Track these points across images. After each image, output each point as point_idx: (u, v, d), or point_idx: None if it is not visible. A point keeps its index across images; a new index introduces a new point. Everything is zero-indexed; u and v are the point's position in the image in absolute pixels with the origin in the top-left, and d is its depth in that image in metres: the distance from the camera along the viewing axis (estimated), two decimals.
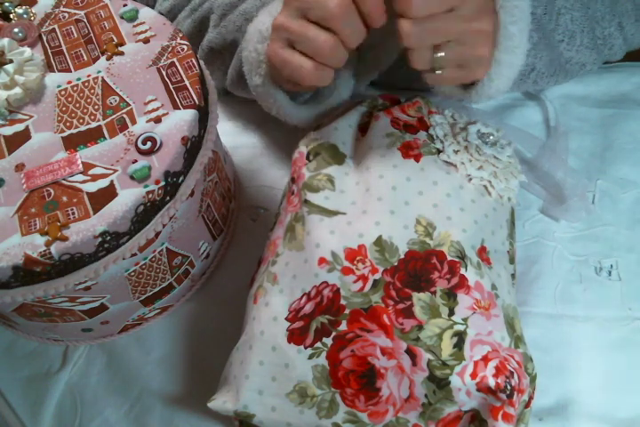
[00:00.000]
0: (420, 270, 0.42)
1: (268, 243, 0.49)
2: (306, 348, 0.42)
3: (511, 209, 0.49)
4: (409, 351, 0.40)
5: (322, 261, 0.43)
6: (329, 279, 0.43)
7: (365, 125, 0.49)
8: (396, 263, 0.43)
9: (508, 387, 0.40)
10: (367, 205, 0.45)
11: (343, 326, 0.42)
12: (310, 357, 0.42)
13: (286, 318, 0.43)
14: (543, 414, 0.48)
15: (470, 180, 0.47)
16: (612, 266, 0.55)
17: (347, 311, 0.42)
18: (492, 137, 0.48)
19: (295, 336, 0.43)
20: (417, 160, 0.46)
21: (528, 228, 0.57)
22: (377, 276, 0.42)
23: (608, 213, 0.57)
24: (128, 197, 0.41)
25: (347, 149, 0.48)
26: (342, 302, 0.42)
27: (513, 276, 0.48)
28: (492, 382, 0.40)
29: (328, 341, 0.42)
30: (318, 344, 0.42)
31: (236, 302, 0.52)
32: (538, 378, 0.44)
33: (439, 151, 0.47)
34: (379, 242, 0.43)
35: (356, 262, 0.43)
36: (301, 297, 0.43)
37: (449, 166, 0.47)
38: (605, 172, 0.59)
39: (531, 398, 0.43)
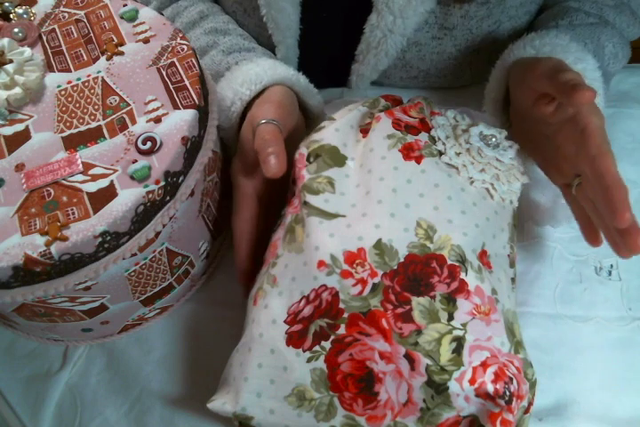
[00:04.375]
0: (420, 274, 0.42)
1: (270, 244, 0.49)
2: (304, 351, 0.42)
3: (513, 212, 0.49)
4: (407, 356, 0.40)
5: (321, 264, 0.43)
6: (328, 283, 0.43)
7: (367, 126, 0.49)
8: (395, 267, 0.42)
9: (507, 393, 0.40)
10: (367, 207, 0.44)
11: (342, 330, 0.41)
12: (309, 360, 0.42)
13: (285, 321, 0.43)
14: (543, 414, 0.48)
15: (472, 182, 0.46)
16: (612, 266, 0.55)
17: (345, 315, 0.42)
18: (494, 139, 0.48)
19: (294, 339, 0.43)
20: (418, 162, 0.46)
21: (528, 228, 0.57)
22: (376, 279, 0.42)
23: None
24: (128, 197, 0.41)
25: (347, 151, 0.48)
26: (341, 305, 0.42)
27: (513, 280, 0.47)
28: (490, 389, 0.39)
29: (326, 344, 0.42)
30: (317, 348, 0.42)
31: (236, 302, 0.52)
32: (538, 378, 0.44)
33: (441, 153, 0.47)
34: (378, 245, 0.43)
35: (355, 266, 0.42)
36: (300, 300, 0.43)
37: (450, 169, 0.46)
38: None
39: (530, 403, 0.43)
